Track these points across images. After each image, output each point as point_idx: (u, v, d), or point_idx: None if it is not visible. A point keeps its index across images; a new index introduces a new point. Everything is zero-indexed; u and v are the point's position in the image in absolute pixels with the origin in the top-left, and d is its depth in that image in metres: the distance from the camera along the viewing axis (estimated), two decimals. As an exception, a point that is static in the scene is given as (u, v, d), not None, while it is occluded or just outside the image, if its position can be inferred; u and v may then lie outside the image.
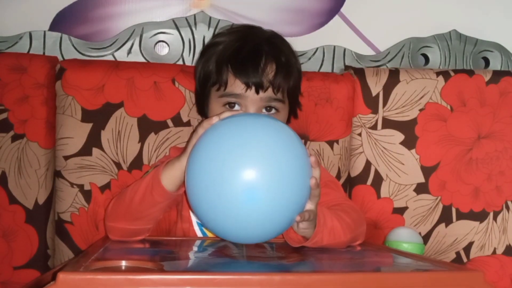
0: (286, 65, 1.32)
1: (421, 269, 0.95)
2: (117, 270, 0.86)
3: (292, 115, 1.42)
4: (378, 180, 1.62)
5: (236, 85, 1.28)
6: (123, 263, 0.90)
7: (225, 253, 1.07)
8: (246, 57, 1.29)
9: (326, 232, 1.16)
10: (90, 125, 1.47)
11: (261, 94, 1.27)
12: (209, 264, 0.97)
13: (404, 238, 1.44)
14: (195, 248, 1.14)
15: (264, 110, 1.30)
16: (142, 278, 0.74)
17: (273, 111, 1.31)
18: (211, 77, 1.32)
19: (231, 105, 1.30)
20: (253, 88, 1.27)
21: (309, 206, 1.08)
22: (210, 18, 1.70)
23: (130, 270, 0.87)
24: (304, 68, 1.71)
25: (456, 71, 1.67)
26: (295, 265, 0.99)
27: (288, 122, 1.41)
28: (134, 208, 1.19)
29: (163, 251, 1.08)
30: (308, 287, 0.77)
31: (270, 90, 1.28)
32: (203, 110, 1.40)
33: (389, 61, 1.80)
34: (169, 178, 1.16)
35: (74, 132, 1.47)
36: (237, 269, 0.93)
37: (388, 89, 1.62)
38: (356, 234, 1.26)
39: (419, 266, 0.99)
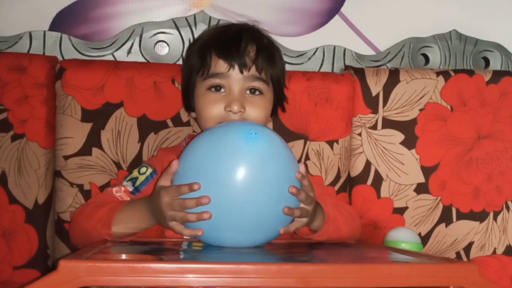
0: (267, 47, 1.37)
1: (416, 262, 0.98)
2: (118, 259, 0.89)
3: (279, 106, 1.45)
4: (378, 180, 1.63)
5: (219, 65, 1.31)
6: (123, 257, 0.92)
7: (226, 247, 1.11)
8: (227, 39, 1.34)
9: (331, 222, 1.21)
10: (90, 125, 1.49)
11: (245, 73, 1.31)
12: (209, 257, 1.00)
13: (402, 238, 1.46)
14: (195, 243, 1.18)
15: (248, 93, 1.33)
16: (143, 266, 0.77)
17: (257, 93, 1.33)
18: (195, 67, 1.36)
19: (216, 88, 1.32)
20: (236, 67, 1.30)
21: (302, 204, 1.14)
22: (210, 18, 1.72)
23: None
24: (304, 68, 1.74)
25: (456, 71, 1.68)
26: (292, 256, 1.01)
27: (275, 114, 1.45)
28: (86, 234, 1.25)
29: (163, 248, 1.10)
30: (304, 277, 0.80)
31: (253, 69, 1.32)
32: (188, 102, 1.43)
33: (389, 61, 1.82)
34: (122, 223, 1.21)
35: (74, 132, 1.49)
36: (235, 259, 0.96)
37: (388, 89, 1.63)
38: (354, 230, 1.30)
39: (415, 260, 1.01)
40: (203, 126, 1.35)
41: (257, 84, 1.33)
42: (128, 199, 1.30)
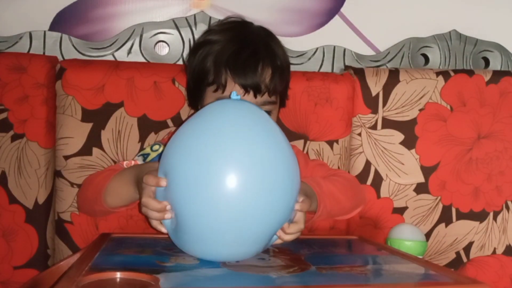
0: (280, 68, 1.34)
1: (425, 279, 0.93)
2: (110, 285, 0.84)
3: (281, 106, 1.43)
4: (378, 180, 1.60)
5: (235, 90, 1.27)
6: (118, 275, 0.88)
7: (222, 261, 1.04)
8: (244, 61, 1.30)
9: (326, 197, 1.17)
10: (90, 125, 1.46)
11: (258, 98, 1.29)
12: (207, 277, 0.94)
13: (407, 236, 1.42)
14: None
15: None
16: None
17: None
18: (208, 77, 1.31)
19: None
20: (251, 92, 1.28)
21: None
22: (210, 18, 1.69)
23: (124, 284, 0.85)
24: (304, 68, 1.72)
25: (456, 71, 1.66)
26: (293, 277, 0.95)
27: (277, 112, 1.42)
28: (87, 202, 1.29)
29: (159, 258, 1.04)
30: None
31: (266, 94, 1.30)
32: (195, 104, 1.41)
33: (389, 61, 1.79)
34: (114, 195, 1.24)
35: (74, 132, 1.46)
36: (234, 284, 0.90)
37: (388, 89, 1.61)
38: (356, 196, 1.29)
39: (423, 275, 0.97)
40: None
41: (267, 107, 1.31)
42: None
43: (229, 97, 1.06)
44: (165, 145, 1.33)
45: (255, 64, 1.29)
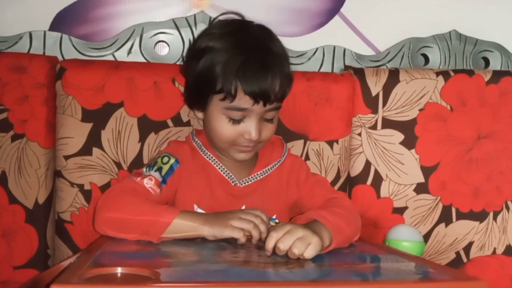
0: (288, 77, 1.32)
1: (423, 277, 0.91)
2: (111, 279, 0.82)
3: None
4: (378, 180, 1.59)
5: (244, 100, 1.24)
6: (119, 270, 0.86)
7: (223, 257, 1.02)
8: (254, 72, 1.25)
9: (337, 233, 1.14)
10: (90, 125, 1.45)
11: (267, 106, 1.26)
12: (207, 272, 0.92)
13: (404, 237, 1.40)
14: (192, 251, 1.09)
15: (263, 122, 1.30)
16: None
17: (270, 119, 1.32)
18: (215, 85, 1.26)
19: (234, 121, 1.27)
20: (261, 102, 1.25)
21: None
22: (210, 18, 1.67)
23: (125, 278, 0.84)
24: (304, 68, 1.70)
25: (456, 71, 1.64)
26: (293, 273, 0.94)
27: None
28: (125, 225, 1.17)
29: (160, 254, 1.03)
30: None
31: (274, 102, 1.28)
32: (194, 106, 1.37)
33: (389, 61, 1.77)
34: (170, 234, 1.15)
35: (74, 132, 1.44)
36: (233, 279, 0.88)
37: (388, 89, 1.59)
38: (356, 227, 1.26)
39: (421, 272, 0.95)
40: (213, 141, 1.33)
41: (273, 114, 1.30)
42: (158, 190, 1.25)
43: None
44: (173, 156, 1.31)
45: (265, 75, 1.25)
